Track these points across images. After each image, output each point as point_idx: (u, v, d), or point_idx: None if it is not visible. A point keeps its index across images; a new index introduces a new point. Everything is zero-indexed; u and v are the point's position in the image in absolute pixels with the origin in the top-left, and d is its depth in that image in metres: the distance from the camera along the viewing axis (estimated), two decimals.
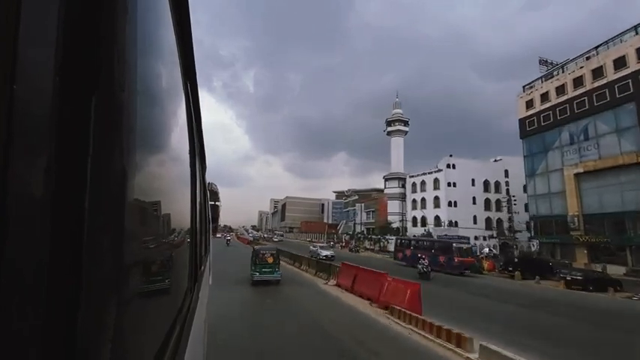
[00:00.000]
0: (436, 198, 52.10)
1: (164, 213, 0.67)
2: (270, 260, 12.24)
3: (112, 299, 0.34)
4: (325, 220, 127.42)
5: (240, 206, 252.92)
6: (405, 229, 53.85)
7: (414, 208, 56.43)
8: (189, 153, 1.25)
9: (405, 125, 69.76)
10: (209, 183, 4.35)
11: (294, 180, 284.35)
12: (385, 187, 67.26)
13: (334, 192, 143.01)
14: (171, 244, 0.82)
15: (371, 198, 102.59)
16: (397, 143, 69.36)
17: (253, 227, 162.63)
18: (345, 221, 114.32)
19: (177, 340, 0.79)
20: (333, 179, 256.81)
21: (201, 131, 1.98)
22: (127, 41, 0.35)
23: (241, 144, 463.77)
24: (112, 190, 0.34)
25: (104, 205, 0.31)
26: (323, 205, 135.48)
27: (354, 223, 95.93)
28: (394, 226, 55.94)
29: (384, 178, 68.50)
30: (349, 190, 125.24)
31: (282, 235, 63.76)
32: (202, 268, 2.41)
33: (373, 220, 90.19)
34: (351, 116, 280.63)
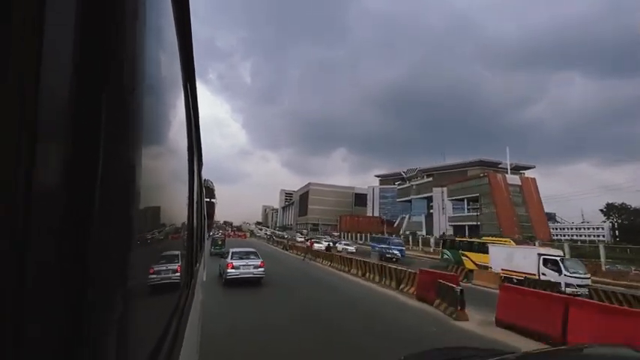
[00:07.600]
0: None
1: (164, 210, 0.69)
2: (220, 242, 24.55)
3: (117, 295, 0.34)
4: (369, 214, 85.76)
5: (239, 201, 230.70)
6: None
7: None
8: (188, 150, 1.28)
9: None
10: (205, 179, 4.94)
11: (293, 176, 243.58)
12: None
13: (377, 176, 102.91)
14: (170, 241, 0.86)
15: (466, 177, 60.89)
16: None
17: (259, 223, 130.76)
18: (407, 216, 72.68)
19: (174, 335, 0.84)
20: (332, 176, 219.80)
21: (199, 128, 2.06)
22: (134, 40, 0.35)
23: (238, 139, 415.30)
24: (118, 187, 0.34)
25: (112, 202, 0.32)
26: (358, 195, 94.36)
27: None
28: None
29: None
30: (410, 169, 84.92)
31: None
32: (197, 265, 2.54)
33: (477, 214, 49.12)
34: (351, 111, 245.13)
